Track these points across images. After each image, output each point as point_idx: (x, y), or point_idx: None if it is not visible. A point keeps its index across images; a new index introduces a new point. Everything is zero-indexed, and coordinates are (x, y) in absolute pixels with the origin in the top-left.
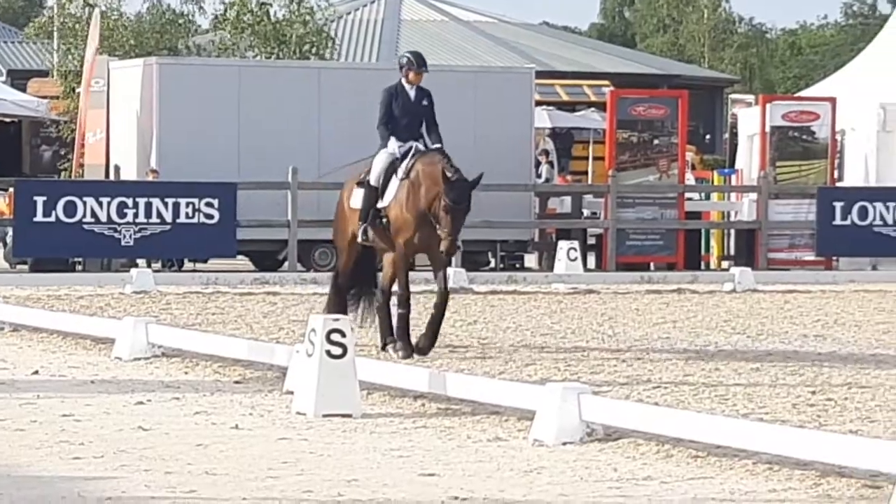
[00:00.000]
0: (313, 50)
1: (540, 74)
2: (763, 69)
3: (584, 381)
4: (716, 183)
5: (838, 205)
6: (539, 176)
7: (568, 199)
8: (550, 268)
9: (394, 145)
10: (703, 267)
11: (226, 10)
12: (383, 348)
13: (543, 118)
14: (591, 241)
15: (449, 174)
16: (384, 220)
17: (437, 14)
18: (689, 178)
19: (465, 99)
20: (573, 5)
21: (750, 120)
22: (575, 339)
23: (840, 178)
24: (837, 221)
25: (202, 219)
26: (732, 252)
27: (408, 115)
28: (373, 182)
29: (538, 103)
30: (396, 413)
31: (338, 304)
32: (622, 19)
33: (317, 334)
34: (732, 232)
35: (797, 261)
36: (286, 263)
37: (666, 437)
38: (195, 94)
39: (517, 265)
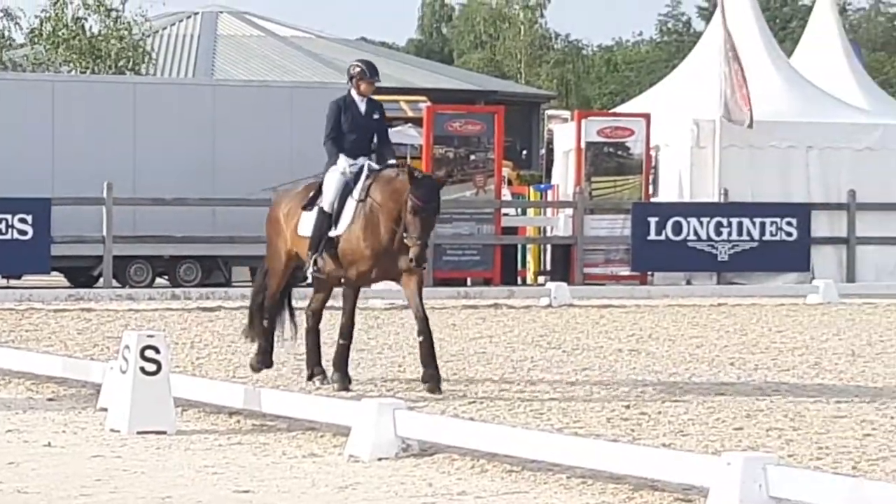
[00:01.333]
0: (130, 65)
1: None
2: (579, 85)
3: (399, 397)
4: (532, 199)
5: (653, 220)
6: None
7: None
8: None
9: (344, 163)
10: (519, 282)
11: (41, 25)
12: (309, 378)
13: None
14: None
15: (416, 173)
16: (336, 249)
17: (254, 29)
18: (506, 194)
19: (282, 115)
20: (391, 21)
21: (566, 136)
22: (391, 355)
23: (654, 194)
24: (652, 237)
25: (15, 234)
26: (549, 267)
27: (358, 129)
28: (326, 208)
29: None
30: (211, 430)
31: (262, 326)
32: (439, 35)
33: (131, 351)
34: (549, 247)
35: (612, 276)
36: (101, 279)
37: (481, 452)
38: (8, 109)
39: None
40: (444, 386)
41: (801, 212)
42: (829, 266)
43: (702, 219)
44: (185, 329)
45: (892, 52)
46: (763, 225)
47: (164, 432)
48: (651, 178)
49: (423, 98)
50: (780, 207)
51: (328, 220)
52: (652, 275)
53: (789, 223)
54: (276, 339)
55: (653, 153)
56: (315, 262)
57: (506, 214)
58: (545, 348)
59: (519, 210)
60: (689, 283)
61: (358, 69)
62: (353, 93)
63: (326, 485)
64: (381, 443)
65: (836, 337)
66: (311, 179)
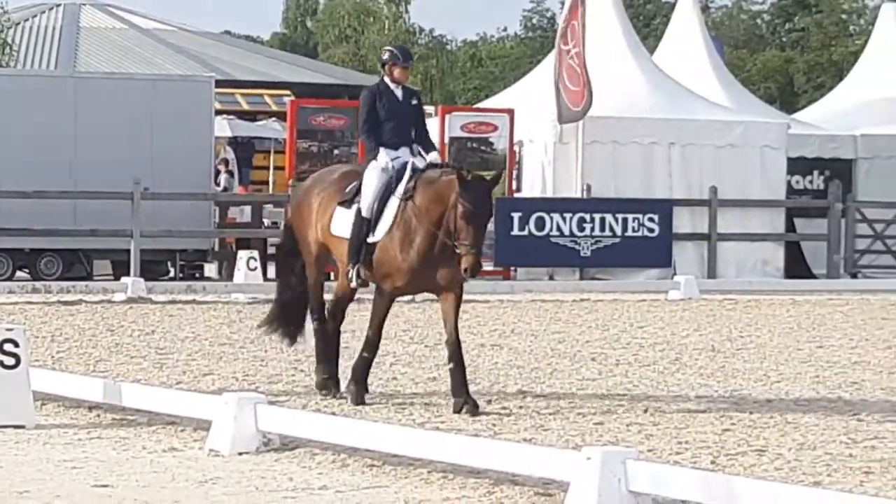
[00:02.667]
0: None
1: (220, 83)
2: (443, 80)
3: (261, 392)
4: None
5: (516, 215)
6: (218, 185)
7: (248, 208)
8: (230, 277)
9: (385, 157)
10: None
11: None
12: (320, 387)
13: (224, 127)
14: (272, 250)
15: (463, 173)
16: (372, 256)
17: (117, 22)
18: None
19: (144, 107)
20: (255, 15)
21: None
22: (254, 349)
23: (518, 189)
24: (515, 232)
25: None
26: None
27: (394, 118)
28: (365, 213)
29: (218, 112)
30: (71, 424)
31: (319, 328)
32: (304, 29)
33: None
34: None
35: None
36: None
37: (343, 447)
38: None
39: (196, 275)
40: (307, 380)
41: (663, 208)
42: (691, 262)
43: (564, 214)
44: (45, 322)
45: (753, 50)
46: (625, 221)
47: (23, 426)
48: (514, 173)
49: (288, 92)
50: (643, 203)
51: (367, 225)
52: (515, 270)
53: (651, 219)
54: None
55: (516, 149)
56: (358, 274)
57: None
58: (407, 343)
59: None
60: (551, 278)
61: (389, 54)
62: (387, 80)
63: (186, 479)
64: (241, 437)
65: (697, 332)
66: (346, 167)
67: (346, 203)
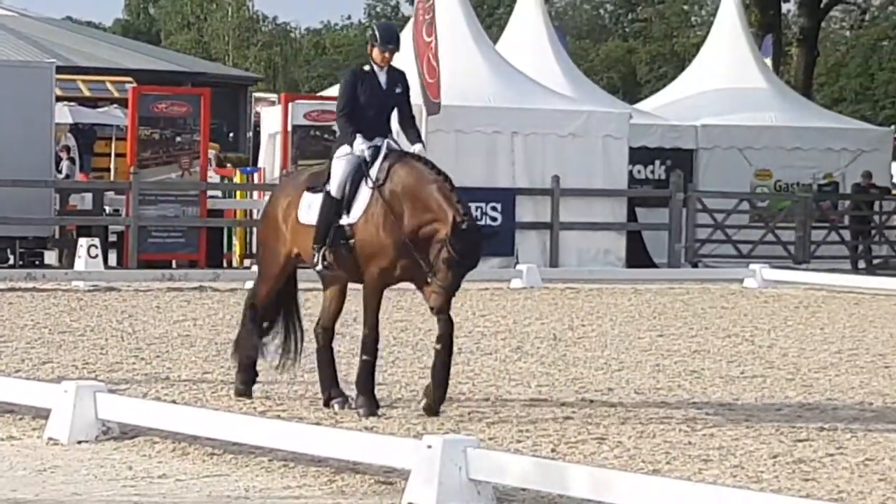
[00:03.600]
0: None
1: (61, 69)
2: (287, 68)
3: (101, 380)
4: (238, 181)
5: None
6: (59, 172)
7: (89, 195)
8: (71, 265)
9: (361, 144)
10: (225, 265)
11: None
12: (326, 404)
13: (65, 114)
14: (113, 238)
15: (458, 218)
16: (349, 241)
17: None
18: (212, 176)
19: None
20: (97, 1)
21: (272, 118)
22: (94, 337)
23: None
24: None
25: None
26: (255, 250)
27: (376, 104)
28: (335, 192)
29: (59, 98)
30: None
31: (249, 341)
32: (147, 16)
33: None
34: (255, 230)
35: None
36: None
37: (183, 435)
38: None
39: (37, 262)
40: (148, 368)
41: (506, 197)
42: (533, 251)
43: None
44: None
45: (596, 40)
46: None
47: None
48: None
49: (130, 79)
50: (486, 192)
51: (337, 205)
52: None
53: (494, 208)
54: (263, 352)
55: None
56: (323, 257)
57: (212, 197)
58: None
59: (225, 192)
60: None
61: (370, 33)
62: (372, 60)
63: (24, 468)
64: (80, 426)
65: (539, 321)
66: (316, 168)
67: (313, 189)
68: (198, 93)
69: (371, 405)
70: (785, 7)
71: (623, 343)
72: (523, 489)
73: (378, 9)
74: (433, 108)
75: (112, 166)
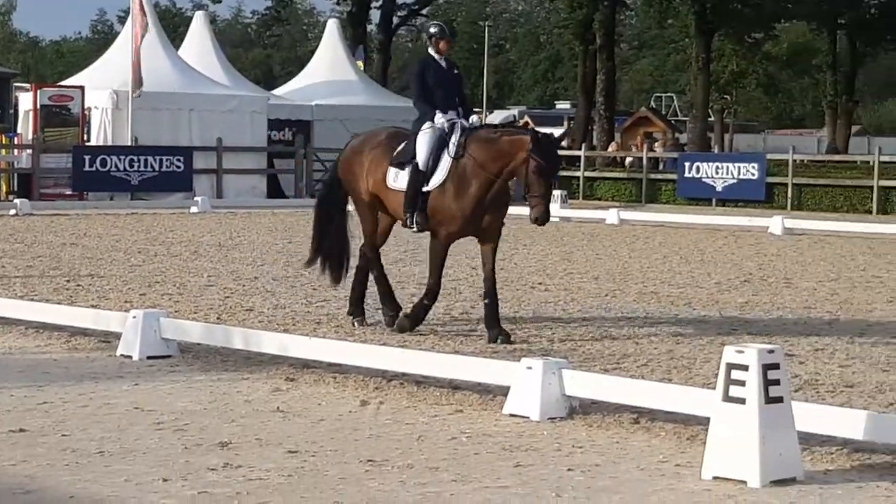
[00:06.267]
0: None
1: None
2: (37, 67)
3: None
4: (4, 142)
5: (87, 157)
6: None
7: None
8: None
9: (441, 118)
10: None
11: None
12: (350, 315)
13: None
14: None
15: (533, 135)
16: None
17: None
18: None
19: None
20: None
21: (27, 101)
22: None
23: (88, 140)
24: (87, 168)
25: None
26: (16, 188)
27: (443, 86)
28: (422, 166)
29: None
30: None
31: (377, 265)
32: None
33: None
34: (16, 175)
35: (60, 194)
36: None
37: None
38: None
39: None
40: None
41: (187, 153)
42: (205, 188)
43: (120, 156)
44: None
45: (247, 49)
46: (161, 160)
47: None
48: (85, 129)
49: None
50: (173, 149)
51: (423, 175)
52: (86, 194)
53: (179, 160)
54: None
55: (87, 112)
56: (415, 220)
57: None
58: (12, 243)
59: None
60: (112, 199)
61: (437, 29)
62: (433, 52)
63: None
64: None
65: (210, 234)
66: (392, 129)
67: (401, 165)
68: None
69: (411, 328)
70: (369, 27)
71: (263, 247)
72: (198, 343)
73: (99, 27)
74: (138, 93)
75: None
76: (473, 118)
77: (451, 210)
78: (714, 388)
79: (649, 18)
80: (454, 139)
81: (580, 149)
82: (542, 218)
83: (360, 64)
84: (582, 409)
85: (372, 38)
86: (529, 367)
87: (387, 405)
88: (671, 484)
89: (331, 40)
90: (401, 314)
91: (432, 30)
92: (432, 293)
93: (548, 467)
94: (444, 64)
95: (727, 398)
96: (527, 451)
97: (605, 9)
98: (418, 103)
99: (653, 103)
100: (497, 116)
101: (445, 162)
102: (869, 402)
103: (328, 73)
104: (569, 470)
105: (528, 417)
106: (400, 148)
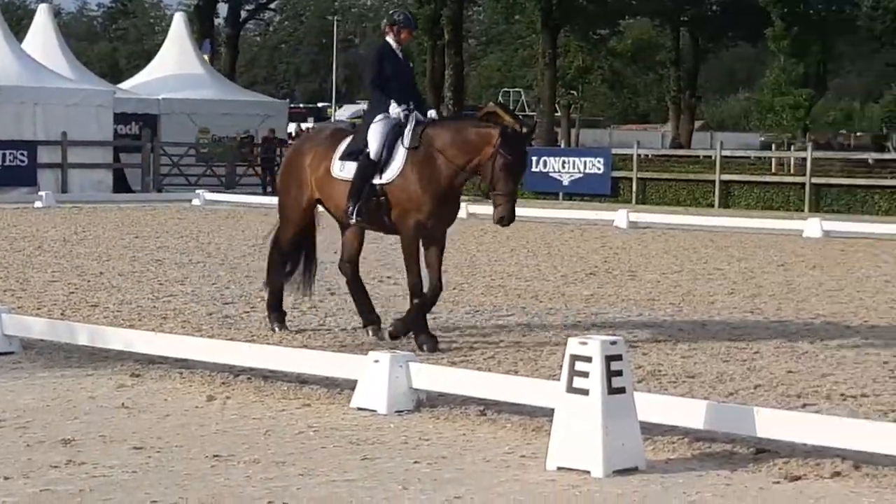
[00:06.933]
0: None
1: None
2: None
3: None
4: None
5: None
6: None
7: None
8: None
9: (396, 108)
10: None
11: None
12: (365, 327)
13: None
14: None
15: (504, 128)
16: (381, 198)
17: None
18: None
19: None
20: None
21: None
22: None
23: None
24: None
25: None
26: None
27: (398, 77)
28: (373, 155)
29: None
30: None
31: (278, 275)
32: None
33: None
34: None
35: None
36: None
37: None
38: None
39: None
40: None
41: (30, 147)
42: (50, 182)
43: None
44: None
45: (92, 42)
46: (5, 155)
47: None
48: None
49: None
50: (17, 143)
51: (373, 166)
52: None
53: (22, 154)
54: (287, 289)
55: None
56: (359, 211)
57: None
58: None
59: None
60: None
61: (403, 17)
62: (391, 40)
63: None
64: None
65: (54, 229)
66: (335, 126)
67: (351, 156)
68: None
69: (431, 341)
70: (216, 21)
71: (109, 243)
72: (41, 339)
73: None
74: None
75: None
76: (432, 113)
77: (418, 195)
78: (559, 380)
79: (496, 14)
80: (409, 129)
81: None
82: (507, 218)
83: (207, 58)
84: (429, 401)
85: (220, 32)
86: (377, 361)
87: (234, 400)
88: (516, 475)
89: (178, 34)
90: (421, 338)
91: (397, 17)
92: (416, 290)
93: (394, 460)
94: (400, 55)
95: (571, 389)
96: (374, 445)
97: (453, 4)
98: (373, 91)
99: (501, 98)
100: (347, 111)
101: (401, 152)
102: (710, 392)
103: (175, 67)
104: (415, 462)
105: (375, 411)
106: (348, 140)
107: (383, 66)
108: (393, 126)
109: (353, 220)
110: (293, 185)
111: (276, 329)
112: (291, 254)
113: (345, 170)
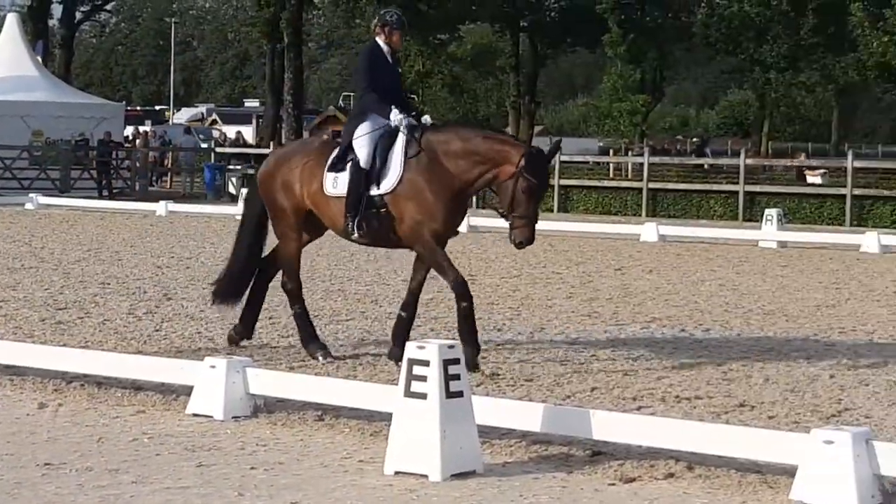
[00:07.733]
0: None
1: None
2: None
3: None
4: None
5: None
6: None
7: None
8: None
9: (399, 116)
10: None
11: None
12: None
13: None
14: None
15: (527, 149)
16: (382, 209)
17: None
18: None
19: None
20: None
21: None
22: None
23: None
24: None
25: None
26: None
27: (389, 78)
28: (363, 163)
29: None
30: None
31: (300, 303)
32: None
33: None
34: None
35: None
36: None
37: None
38: None
39: None
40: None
41: None
42: None
43: None
44: None
45: None
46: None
47: None
48: None
49: None
50: None
51: (365, 175)
52: None
53: None
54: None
55: None
56: (360, 226)
57: None
58: None
59: None
60: None
61: (396, 18)
62: (381, 41)
63: None
64: None
65: None
66: (323, 138)
67: (337, 168)
68: None
69: (474, 357)
70: (50, 22)
71: None
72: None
73: None
74: None
75: None
76: (426, 118)
77: (430, 203)
78: (397, 385)
79: (337, 18)
80: (404, 134)
81: (269, 147)
82: (526, 242)
83: (41, 59)
84: (267, 407)
85: (54, 33)
86: (213, 366)
87: (66, 407)
88: (354, 480)
89: (10, 35)
90: (471, 355)
91: (389, 18)
92: (460, 291)
93: (230, 466)
94: (389, 57)
95: (409, 394)
96: (210, 451)
97: (293, 7)
98: (367, 96)
99: (341, 102)
100: (185, 114)
101: (397, 160)
102: (547, 396)
103: (7, 69)
104: (252, 468)
105: (211, 417)
106: (336, 150)
107: (375, 67)
108: (383, 133)
109: (356, 236)
110: (278, 196)
111: (321, 359)
112: (294, 270)
113: (338, 186)
